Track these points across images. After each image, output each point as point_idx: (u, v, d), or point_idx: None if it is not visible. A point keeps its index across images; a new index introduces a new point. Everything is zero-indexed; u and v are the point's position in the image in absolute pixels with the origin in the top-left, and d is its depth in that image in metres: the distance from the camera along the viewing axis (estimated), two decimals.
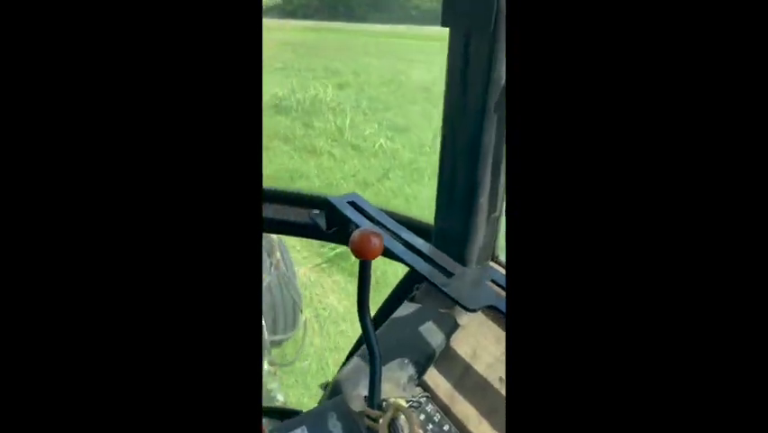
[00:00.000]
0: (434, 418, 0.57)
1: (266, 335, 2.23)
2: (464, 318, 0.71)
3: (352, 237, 0.48)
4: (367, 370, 0.57)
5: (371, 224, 0.77)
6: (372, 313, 0.58)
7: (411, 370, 0.62)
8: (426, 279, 0.64)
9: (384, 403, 0.51)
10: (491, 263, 0.78)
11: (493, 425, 0.56)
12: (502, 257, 0.79)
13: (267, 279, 2.27)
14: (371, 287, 0.54)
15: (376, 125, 6.48)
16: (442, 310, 0.71)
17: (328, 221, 0.85)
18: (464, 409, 0.58)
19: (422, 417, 0.57)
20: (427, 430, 0.56)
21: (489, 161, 0.66)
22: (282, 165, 5.13)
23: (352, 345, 1.04)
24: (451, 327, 0.69)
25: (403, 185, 4.63)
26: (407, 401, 0.53)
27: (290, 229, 0.97)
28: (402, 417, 0.49)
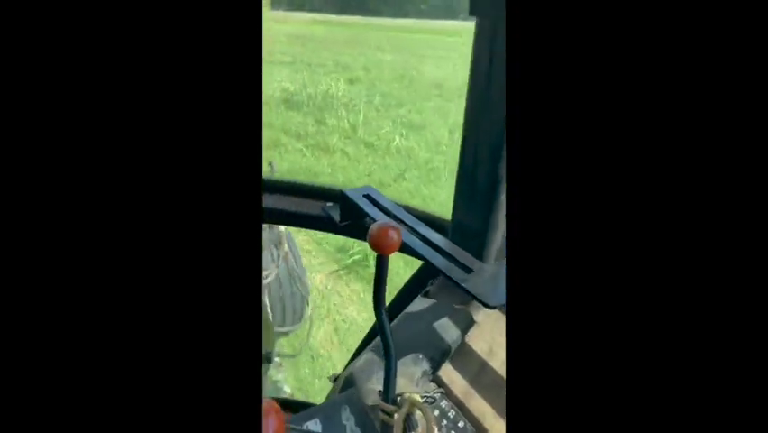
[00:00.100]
0: (449, 414, 0.56)
1: (275, 326, 2.26)
2: (480, 315, 0.70)
3: (369, 231, 0.46)
4: (379, 364, 0.57)
5: (387, 217, 0.75)
6: None
7: (425, 365, 0.61)
8: (444, 274, 0.62)
9: (399, 398, 0.50)
10: None
11: None
12: None
13: (275, 271, 2.28)
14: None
15: (389, 122, 6.31)
16: (457, 306, 0.70)
17: (342, 214, 0.84)
18: (480, 407, 0.57)
19: (436, 413, 0.56)
20: (442, 427, 0.55)
21: None
22: (295, 163, 4.98)
23: (362, 339, 1.04)
24: (466, 324, 0.68)
25: (419, 185, 4.48)
26: (422, 397, 0.51)
27: (303, 221, 0.95)
28: (418, 412, 0.48)
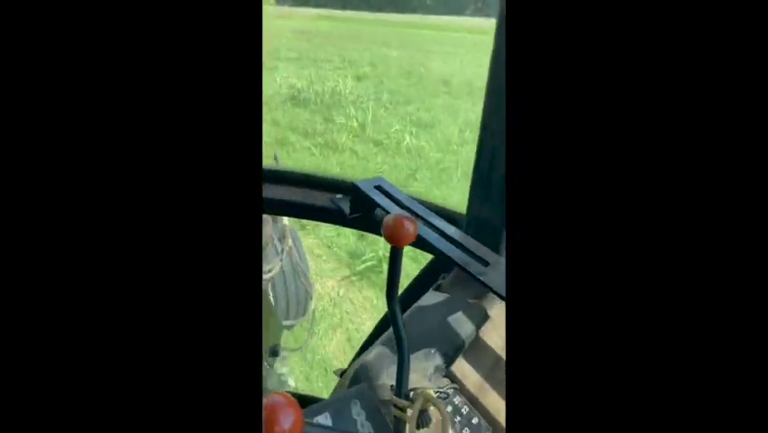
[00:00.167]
0: (462, 410, 0.56)
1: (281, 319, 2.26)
2: (494, 309, 0.69)
3: (384, 222, 0.45)
4: (390, 358, 0.58)
5: (400, 209, 0.73)
6: None
7: (438, 360, 0.60)
8: (461, 267, 0.61)
9: (412, 393, 0.48)
10: None
11: None
12: None
13: (279, 264, 2.26)
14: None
15: (398, 120, 6.20)
16: (471, 300, 0.69)
17: (352, 206, 0.81)
18: (494, 402, 0.57)
19: (449, 408, 0.56)
20: (455, 423, 0.54)
21: None
22: (303, 162, 4.87)
23: (369, 333, 1.00)
24: (481, 318, 0.67)
25: (431, 187, 4.35)
26: (435, 392, 0.50)
27: (311, 213, 0.93)
28: (431, 408, 0.47)
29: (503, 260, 0.64)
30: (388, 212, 0.70)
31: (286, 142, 5.33)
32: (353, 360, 0.76)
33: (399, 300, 0.52)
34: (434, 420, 0.48)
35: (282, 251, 2.29)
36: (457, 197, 3.94)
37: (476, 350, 0.64)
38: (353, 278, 3.04)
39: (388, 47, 13.03)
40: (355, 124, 5.93)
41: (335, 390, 0.65)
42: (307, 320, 2.45)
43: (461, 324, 0.66)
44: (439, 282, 0.76)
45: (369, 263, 3.08)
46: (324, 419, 0.50)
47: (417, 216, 0.72)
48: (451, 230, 0.68)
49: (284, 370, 2.08)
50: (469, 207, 0.75)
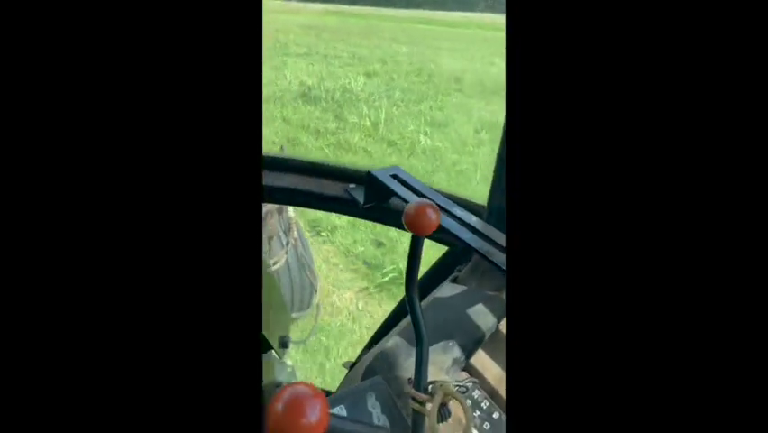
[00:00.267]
0: (482, 404, 0.55)
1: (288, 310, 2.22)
2: None
3: (406, 210, 0.44)
4: (405, 350, 0.57)
5: (419, 198, 0.69)
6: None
7: (456, 353, 0.59)
8: (485, 258, 0.58)
9: (431, 387, 0.46)
10: None
11: None
12: None
13: (284, 257, 2.27)
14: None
15: (411, 119, 6.03)
16: (491, 293, 0.68)
17: (367, 195, 0.78)
18: None
19: (468, 402, 0.54)
20: (475, 417, 0.53)
21: None
22: None
23: (379, 326, 0.99)
24: (501, 311, 0.66)
25: (449, 191, 4.20)
26: (453, 386, 0.47)
27: (324, 203, 0.91)
28: (452, 402, 0.45)
29: None
30: (405, 201, 0.68)
31: (297, 142, 5.18)
32: (363, 351, 0.77)
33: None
34: (453, 415, 0.46)
35: (287, 243, 2.30)
36: (479, 202, 3.78)
37: (497, 343, 0.62)
38: (372, 290, 2.89)
39: (397, 43, 12.82)
40: (368, 123, 5.77)
41: (343, 382, 0.64)
42: (312, 313, 2.46)
43: (481, 316, 0.64)
44: (455, 274, 0.74)
45: (392, 275, 2.92)
46: (340, 411, 0.49)
47: (437, 205, 0.67)
48: (473, 219, 0.65)
49: (290, 362, 1.99)
50: (490, 197, 0.73)
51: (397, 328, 0.64)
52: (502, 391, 0.56)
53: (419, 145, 5.19)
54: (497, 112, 6.19)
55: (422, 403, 0.45)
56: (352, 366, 0.68)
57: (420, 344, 0.48)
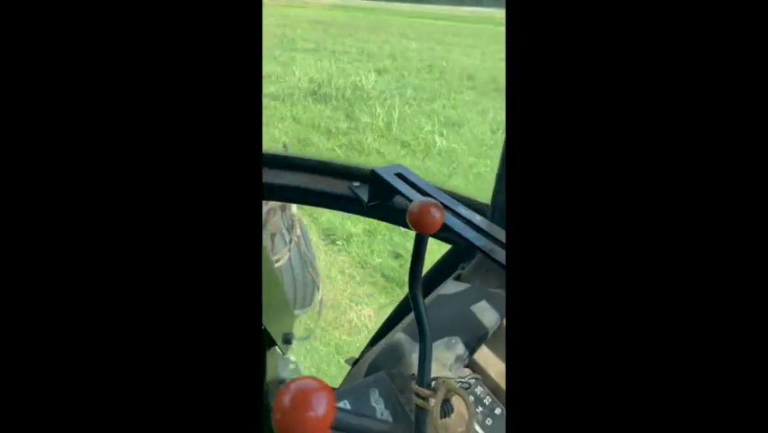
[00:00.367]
0: (485, 401, 0.54)
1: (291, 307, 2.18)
2: None
3: (410, 208, 0.44)
4: (409, 346, 0.59)
5: (422, 197, 0.68)
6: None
7: (459, 350, 0.59)
8: (490, 257, 0.58)
9: (434, 383, 0.46)
10: None
11: None
12: None
13: (287, 254, 2.28)
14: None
15: (424, 118, 5.83)
16: (494, 290, 0.68)
17: (371, 194, 0.77)
18: None
19: (471, 399, 0.54)
20: (477, 413, 0.53)
21: None
22: None
23: (383, 322, 0.99)
24: (504, 308, 0.64)
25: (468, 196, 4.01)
26: (456, 382, 0.46)
27: (328, 201, 0.91)
28: (454, 397, 0.45)
29: None
30: (409, 200, 0.67)
31: (308, 143, 4.99)
32: (366, 348, 0.74)
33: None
34: (456, 411, 0.47)
35: (291, 241, 2.31)
36: (483, 201, 3.58)
37: (500, 340, 0.63)
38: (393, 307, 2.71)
39: (406, 38, 12.60)
40: (380, 122, 5.58)
41: (346, 379, 0.64)
42: (314, 310, 2.48)
43: (484, 313, 0.64)
44: (459, 272, 0.74)
45: None
46: (343, 405, 0.50)
47: (441, 203, 0.64)
48: (476, 218, 0.64)
49: (293, 358, 1.92)
50: (494, 195, 0.74)
51: (401, 325, 0.64)
52: (504, 388, 0.56)
53: (434, 147, 4.99)
54: None
55: (425, 399, 0.45)
56: (355, 362, 0.66)
57: (423, 340, 0.48)
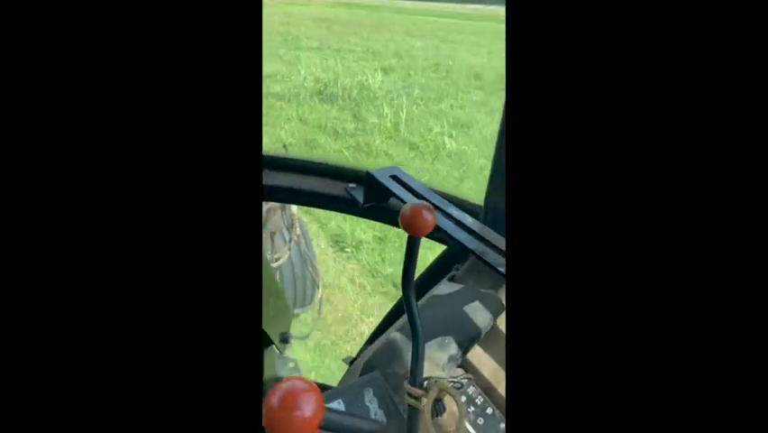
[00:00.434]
0: (477, 400, 0.56)
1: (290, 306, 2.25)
2: None
3: (402, 211, 0.45)
4: (401, 348, 0.59)
5: (416, 199, 0.70)
6: None
7: (452, 350, 0.60)
8: (480, 258, 0.59)
9: (426, 382, 0.47)
10: None
11: None
12: None
13: (287, 253, 2.30)
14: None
15: (432, 119, 5.72)
16: (486, 291, 0.69)
17: (366, 195, 0.78)
18: None
19: (463, 398, 0.55)
20: (469, 413, 0.54)
21: None
22: None
23: (380, 322, 0.99)
24: (496, 309, 0.67)
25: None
26: (449, 382, 0.47)
27: (324, 202, 0.92)
28: (446, 397, 0.46)
29: None
30: (403, 201, 0.68)
31: (316, 145, 4.89)
32: (363, 347, 0.75)
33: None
34: (448, 410, 0.47)
35: (290, 239, 2.32)
36: (476, 202, 3.47)
37: (492, 340, 0.63)
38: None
39: (411, 36, 12.48)
40: (388, 123, 5.47)
41: (343, 378, 0.64)
42: (314, 309, 2.49)
43: (477, 314, 0.65)
44: (453, 273, 0.75)
45: None
46: (337, 406, 0.50)
47: (434, 205, 0.68)
48: (468, 220, 0.65)
49: (292, 357, 1.98)
50: (487, 198, 0.75)
51: (397, 325, 0.64)
52: (497, 387, 0.57)
53: (444, 149, 4.89)
54: None
55: (417, 399, 0.46)
56: (352, 362, 0.68)
57: (416, 341, 0.48)
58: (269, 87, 6.58)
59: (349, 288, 2.79)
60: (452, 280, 0.74)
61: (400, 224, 0.45)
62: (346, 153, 4.74)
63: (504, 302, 0.67)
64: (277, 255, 2.25)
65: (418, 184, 0.73)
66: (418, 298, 0.67)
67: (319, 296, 2.47)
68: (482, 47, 11.57)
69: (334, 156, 4.69)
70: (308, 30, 11.75)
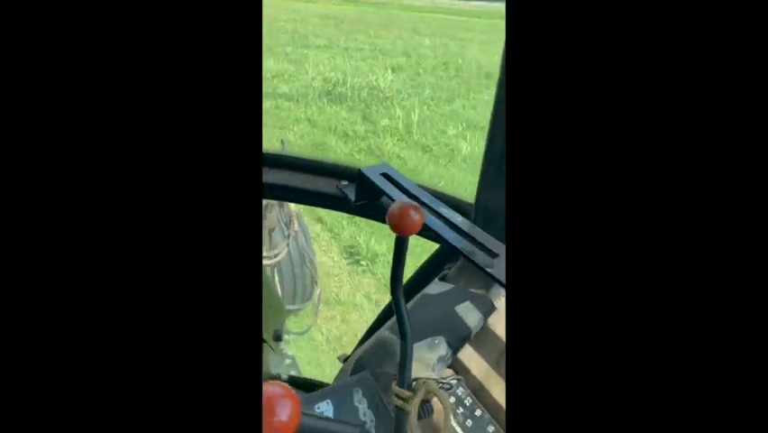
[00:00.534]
0: (465, 401, 0.55)
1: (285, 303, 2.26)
2: (502, 300, 0.68)
3: (389, 210, 0.44)
4: (392, 347, 0.59)
5: (407, 197, 0.70)
6: None
7: (442, 351, 0.60)
8: (468, 258, 0.57)
9: (414, 383, 0.47)
10: None
11: None
12: None
13: (285, 249, 2.29)
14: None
15: (444, 120, 5.55)
16: (477, 291, 0.69)
17: (358, 193, 0.76)
18: (500, 394, 0.56)
19: (452, 400, 0.55)
20: (458, 414, 0.54)
21: None
22: None
23: (373, 321, 0.99)
24: (487, 309, 0.67)
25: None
26: (438, 382, 0.48)
27: (316, 200, 0.92)
28: (434, 398, 0.46)
29: None
30: (393, 200, 0.67)
31: (325, 147, 4.74)
32: (357, 346, 0.74)
33: (403, 289, 0.50)
34: (435, 411, 0.46)
35: (289, 235, 2.32)
36: (468, 201, 3.31)
37: (483, 341, 0.62)
38: None
39: (419, 34, 12.29)
40: (400, 125, 5.30)
41: (337, 377, 0.64)
42: (312, 305, 2.48)
43: (467, 314, 0.64)
44: (444, 272, 0.75)
45: None
46: (326, 406, 0.50)
47: (424, 204, 0.66)
48: (458, 219, 0.63)
49: (289, 354, 2.09)
50: (477, 196, 0.74)
51: (388, 324, 0.64)
52: (487, 388, 0.56)
53: (459, 152, 4.71)
54: None
55: (405, 400, 0.45)
56: (346, 359, 0.66)
57: (404, 341, 0.47)
58: (277, 88, 6.43)
59: (365, 305, 2.63)
60: (443, 279, 0.73)
61: (388, 223, 0.44)
62: (357, 157, 4.58)
63: (495, 303, 0.66)
64: (275, 252, 2.25)
65: (409, 182, 0.72)
66: (412, 296, 0.68)
67: (317, 292, 2.49)
68: (492, 45, 11.36)
69: (346, 160, 4.53)
70: (315, 28, 11.59)
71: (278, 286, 2.28)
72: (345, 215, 3.86)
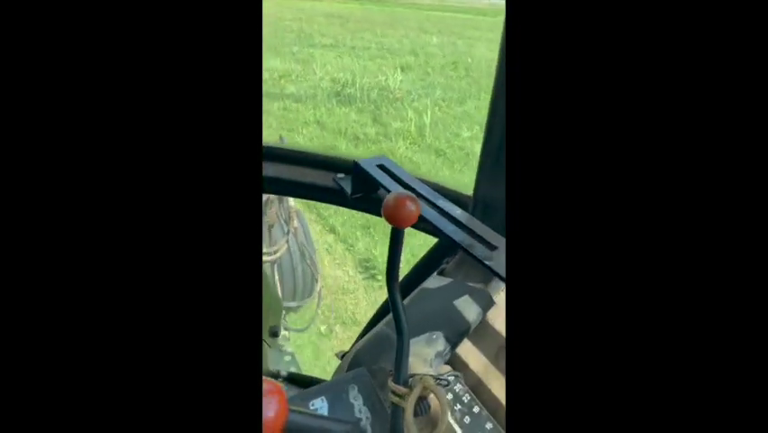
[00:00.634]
0: (463, 398, 0.53)
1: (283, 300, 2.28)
2: (500, 295, 0.67)
3: (385, 201, 0.42)
4: (389, 342, 0.58)
5: (403, 189, 0.67)
6: None
7: (440, 346, 0.58)
8: (467, 251, 0.56)
9: (411, 380, 0.46)
10: None
11: None
12: None
13: (285, 245, 2.26)
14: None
15: (456, 122, 5.38)
16: (476, 285, 0.67)
17: (354, 186, 0.74)
18: (498, 390, 0.55)
19: (450, 396, 0.53)
20: (455, 411, 0.52)
21: None
22: None
23: (371, 317, 0.97)
24: (486, 303, 0.65)
25: None
26: (435, 379, 0.47)
27: (312, 193, 0.89)
28: (431, 395, 0.45)
29: None
30: (389, 191, 0.60)
31: (336, 152, 4.57)
32: (356, 342, 0.71)
33: (402, 284, 0.50)
34: (432, 408, 0.46)
35: (288, 232, 2.30)
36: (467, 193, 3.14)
37: (481, 336, 0.62)
38: None
39: (426, 33, 12.11)
40: (412, 127, 5.13)
41: (334, 374, 0.62)
42: (313, 301, 2.46)
43: (466, 309, 0.63)
44: (443, 266, 0.73)
45: None
46: (321, 403, 0.49)
47: (421, 196, 0.65)
48: (456, 212, 0.61)
49: (288, 350, 2.09)
50: (476, 189, 0.73)
51: (386, 319, 0.63)
52: (486, 383, 0.56)
53: (474, 156, 4.54)
54: None
55: (401, 396, 0.44)
56: (344, 355, 0.64)
57: (400, 337, 0.46)
58: (284, 88, 6.27)
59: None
60: (441, 273, 0.72)
61: (383, 214, 0.43)
62: None
63: (493, 297, 0.66)
64: (275, 248, 2.23)
65: (406, 173, 0.70)
66: (410, 291, 0.68)
67: (318, 288, 2.48)
68: (498, 43, 11.14)
69: None
70: (321, 27, 11.44)
71: (278, 283, 2.27)
72: (359, 225, 3.73)
